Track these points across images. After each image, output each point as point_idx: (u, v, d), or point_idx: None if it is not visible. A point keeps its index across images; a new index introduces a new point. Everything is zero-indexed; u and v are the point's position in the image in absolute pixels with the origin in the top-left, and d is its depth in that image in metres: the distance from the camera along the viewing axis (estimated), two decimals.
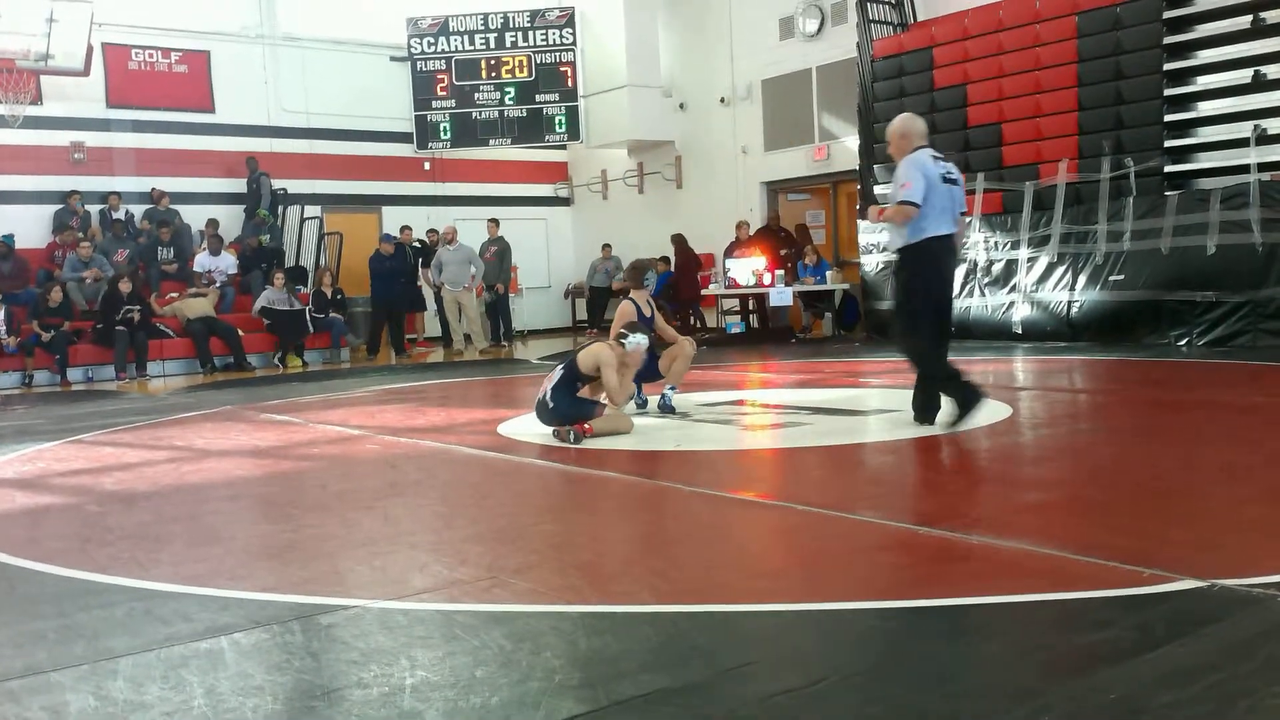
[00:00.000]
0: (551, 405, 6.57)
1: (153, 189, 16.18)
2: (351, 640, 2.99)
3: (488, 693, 2.54)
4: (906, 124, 6.30)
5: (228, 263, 15.73)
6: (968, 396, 5.99)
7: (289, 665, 2.84)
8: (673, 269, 16.31)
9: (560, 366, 6.78)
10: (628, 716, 2.37)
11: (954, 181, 6.08)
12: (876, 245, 13.84)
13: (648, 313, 7.53)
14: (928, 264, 6.05)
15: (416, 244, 16.49)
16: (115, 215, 15.70)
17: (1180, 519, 4.08)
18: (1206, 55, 11.62)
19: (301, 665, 2.84)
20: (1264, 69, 10.95)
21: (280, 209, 16.88)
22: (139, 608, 3.40)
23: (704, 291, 16.19)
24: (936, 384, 6.14)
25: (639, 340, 6.77)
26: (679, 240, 16.75)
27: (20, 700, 2.64)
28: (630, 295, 7.54)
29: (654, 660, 2.73)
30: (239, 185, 16.97)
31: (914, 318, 6.14)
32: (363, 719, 2.42)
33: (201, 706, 2.53)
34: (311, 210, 17.25)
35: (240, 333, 14.52)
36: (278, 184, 16.94)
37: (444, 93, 18.34)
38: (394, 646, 2.91)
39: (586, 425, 6.38)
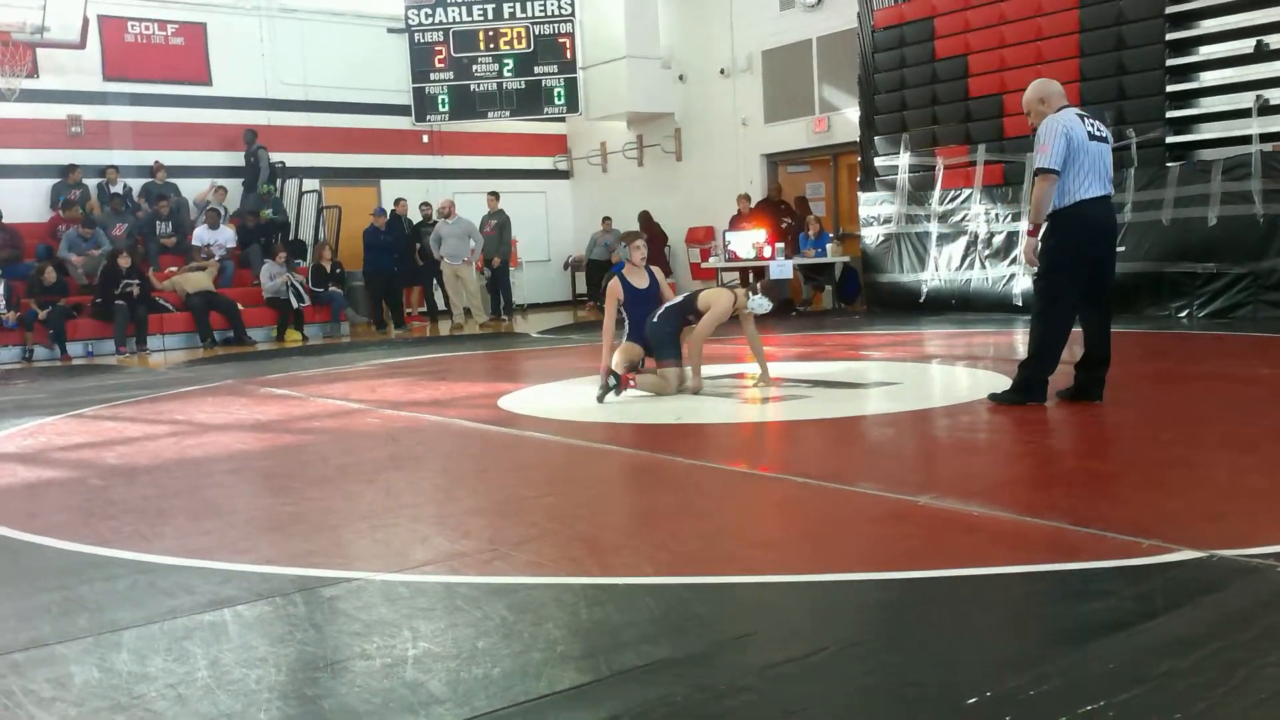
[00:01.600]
0: (655, 321, 7.02)
1: (154, 161, 16.12)
2: (354, 612, 3.01)
3: (490, 663, 2.55)
4: (1042, 88, 5.75)
5: (226, 237, 15.69)
6: (1031, 391, 5.76)
7: (292, 637, 2.85)
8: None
9: (684, 295, 7.18)
10: (629, 686, 2.38)
11: (1103, 139, 5.63)
12: (877, 218, 13.81)
13: (641, 284, 7.37)
14: (1078, 232, 5.56)
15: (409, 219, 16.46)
16: (114, 189, 15.65)
17: (1179, 490, 4.08)
18: (1209, 25, 11.54)
19: (304, 637, 2.85)
20: (1266, 39, 10.87)
21: (279, 182, 16.83)
22: (142, 580, 3.42)
23: (704, 265, 16.17)
24: (1029, 365, 5.78)
25: (761, 303, 7.10)
26: (644, 217, 17.19)
27: (25, 673, 2.66)
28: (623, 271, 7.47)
29: (655, 631, 2.75)
30: (236, 159, 16.90)
31: (1053, 294, 5.72)
32: (366, 690, 2.44)
33: (205, 678, 2.55)
34: (310, 184, 17.20)
35: (240, 306, 14.51)
36: (275, 157, 16.87)
37: (442, 64, 18.20)
38: (396, 618, 2.93)
39: (632, 379, 6.96)
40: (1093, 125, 5.63)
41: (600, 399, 6.83)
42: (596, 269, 18.03)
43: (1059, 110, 5.63)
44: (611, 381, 6.86)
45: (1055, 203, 5.57)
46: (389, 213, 16.29)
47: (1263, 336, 8.90)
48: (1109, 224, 5.77)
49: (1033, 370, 5.80)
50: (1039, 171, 5.54)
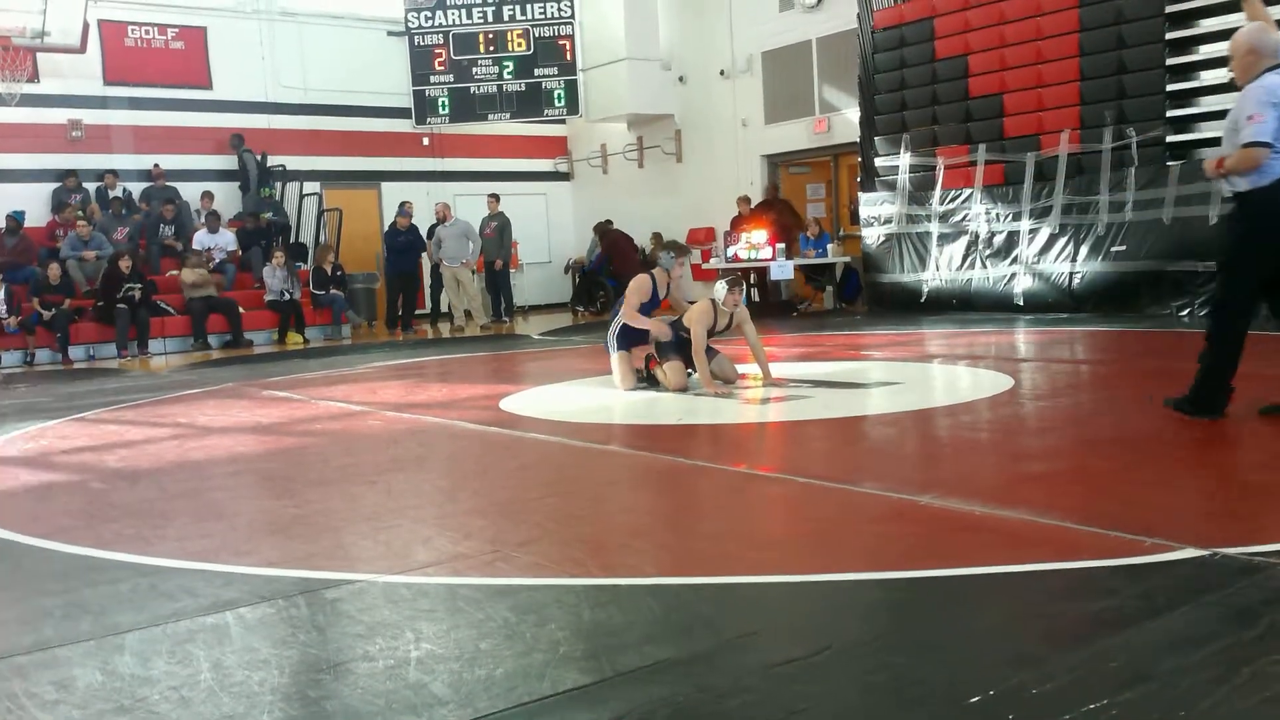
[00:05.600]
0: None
1: (154, 165, 16.13)
2: (356, 614, 3.00)
3: (493, 665, 2.55)
4: (1256, 36, 4.93)
5: (227, 240, 15.70)
6: (1210, 402, 5.14)
7: (294, 639, 2.85)
8: (602, 251, 17.63)
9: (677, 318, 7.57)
10: (632, 687, 2.38)
11: None
12: (877, 218, 13.80)
13: (664, 292, 7.76)
14: (1273, 215, 4.86)
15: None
16: (113, 193, 15.66)
17: (1182, 488, 4.08)
18: (1208, 24, 11.52)
19: (307, 639, 2.85)
20: None
21: (280, 185, 16.83)
22: (144, 583, 3.41)
23: (704, 265, 16.17)
24: (1211, 372, 5.13)
25: (719, 288, 7.34)
26: (602, 226, 17.67)
27: (28, 676, 2.66)
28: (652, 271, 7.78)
29: (658, 631, 2.75)
30: (236, 162, 16.90)
31: (1232, 289, 5.12)
32: (368, 692, 2.44)
33: (208, 680, 2.55)
34: (310, 187, 17.20)
35: (241, 309, 14.52)
36: (276, 160, 16.88)
37: (442, 67, 18.19)
38: (399, 620, 2.93)
39: (656, 362, 7.44)
40: None
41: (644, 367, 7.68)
42: (586, 278, 18.14)
43: (1264, 72, 4.85)
44: (642, 363, 7.62)
45: (1254, 180, 4.84)
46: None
47: (1262, 335, 8.87)
48: None
49: (1206, 379, 5.15)
50: (1250, 144, 4.77)
